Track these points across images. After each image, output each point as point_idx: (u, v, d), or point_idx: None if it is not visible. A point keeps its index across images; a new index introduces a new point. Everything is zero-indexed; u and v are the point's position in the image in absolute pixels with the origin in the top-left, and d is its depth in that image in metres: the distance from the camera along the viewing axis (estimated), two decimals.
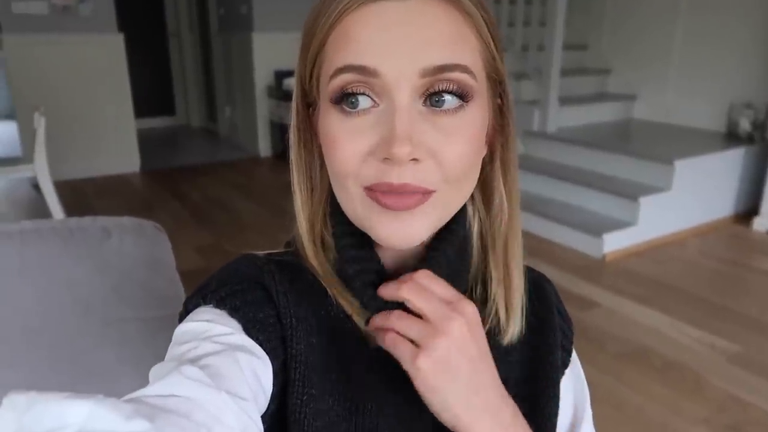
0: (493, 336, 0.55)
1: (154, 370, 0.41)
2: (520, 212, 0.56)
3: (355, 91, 0.45)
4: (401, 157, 0.43)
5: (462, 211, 0.53)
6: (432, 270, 0.50)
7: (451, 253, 0.51)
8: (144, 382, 0.40)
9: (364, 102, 0.45)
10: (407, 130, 0.43)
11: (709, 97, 4.05)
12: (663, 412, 1.94)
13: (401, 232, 0.46)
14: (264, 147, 5.45)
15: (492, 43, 0.48)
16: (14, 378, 0.73)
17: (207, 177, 4.79)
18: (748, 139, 3.75)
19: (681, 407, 1.96)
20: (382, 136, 0.44)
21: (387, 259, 0.52)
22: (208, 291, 0.48)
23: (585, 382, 0.64)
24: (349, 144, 0.46)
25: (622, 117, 4.51)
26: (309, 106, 0.53)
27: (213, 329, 0.45)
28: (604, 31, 4.72)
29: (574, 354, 0.64)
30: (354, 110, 0.45)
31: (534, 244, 3.23)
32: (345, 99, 0.45)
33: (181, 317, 0.49)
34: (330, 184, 0.52)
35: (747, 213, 3.69)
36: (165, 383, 0.37)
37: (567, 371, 0.62)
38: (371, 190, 0.46)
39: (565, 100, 4.14)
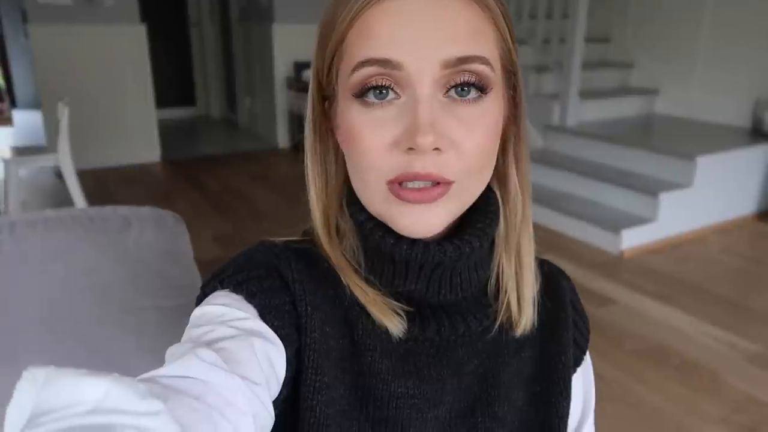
0: (505, 329, 0.55)
1: (171, 351, 0.42)
2: (537, 206, 0.56)
3: (377, 84, 0.45)
4: (425, 146, 0.43)
5: (493, 203, 0.53)
6: (459, 258, 0.50)
7: (477, 244, 0.51)
8: None
9: (386, 94, 0.46)
10: (430, 119, 0.44)
11: (734, 93, 3.97)
12: (680, 411, 1.92)
13: (421, 220, 0.47)
14: (283, 138, 5.47)
15: (508, 35, 0.49)
16: (34, 363, 0.75)
17: (226, 167, 4.83)
18: None
19: (698, 407, 1.94)
20: (405, 127, 0.45)
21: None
22: (226, 276, 0.49)
23: (593, 385, 0.64)
24: (372, 136, 0.46)
25: (644, 112, 4.44)
26: (325, 99, 0.53)
27: (229, 313, 0.46)
28: (627, 24, 4.66)
29: (587, 356, 0.63)
30: (377, 101, 0.46)
31: (552, 239, 3.21)
32: (367, 92, 0.46)
33: (199, 300, 0.50)
34: (345, 176, 0.52)
35: None
36: (180, 364, 0.38)
37: (578, 370, 0.62)
38: (393, 184, 0.46)
39: (587, 94, 4.10)
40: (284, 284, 0.49)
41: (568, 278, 0.64)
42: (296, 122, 5.24)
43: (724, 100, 4.04)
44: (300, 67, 5.00)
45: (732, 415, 1.90)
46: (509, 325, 0.55)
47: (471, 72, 0.45)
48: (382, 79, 0.45)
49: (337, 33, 0.47)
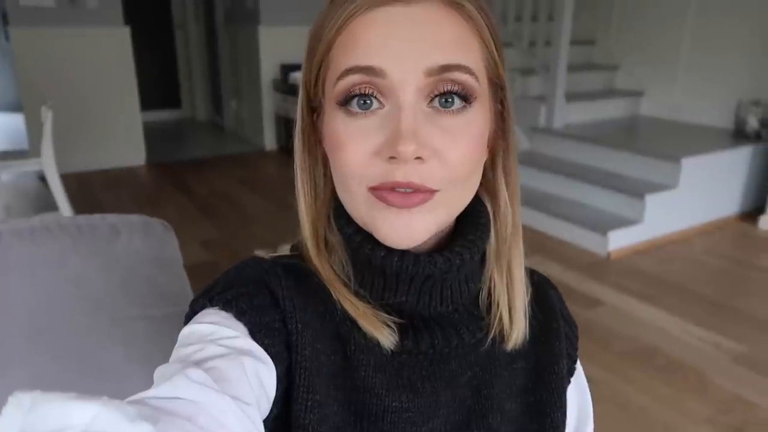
0: (498, 343, 0.55)
1: (159, 371, 0.41)
2: (524, 208, 0.56)
3: (361, 92, 0.45)
4: (406, 155, 0.43)
5: (484, 215, 0.53)
6: (449, 270, 0.50)
7: (467, 256, 0.51)
8: (151, 379, 0.40)
9: (370, 104, 0.46)
10: (412, 128, 0.44)
11: (717, 94, 4.02)
12: (667, 411, 1.94)
13: (404, 229, 0.46)
14: (269, 141, 5.45)
15: (494, 48, 0.49)
16: (22, 376, 0.74)
17: (212, 170, 4.80)
18: (756, 137, 3.72)
19: (685, 407, 1.95)
20: (388, 136, 0.45)
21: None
22: (215, 293, 0.49)
23: (589, 396, 0.64)
24: (354, 145, 0.46)
25: (629, 113, 4.48)
26: (314, 111, 0.53)
27: (219, 332, 0.45)
28: (612, 27, 4.70)
29: (578, 365, 0.63)
30: (360, 111, 0.46)
31: (539, 241, 3.23)
32: (351, 100, 0.46)
33: (188, 318, 0.49)
34: (333, 189, 0.52)
35: (754, 211, 3.67)
36: (170, 385, 0.37)
37: (571, 383, 0.62)
38: (376, 189, 0.46)
39: (572, 96, 4.12)
40: (274, 301, 0.49)
41: (554, 287, 0.64)
42: (283, 125, 5.22)
43: (707, 101, 4.09)
44: (286, 69, 4.98)
45: (718, 415, 1.92)
46: (501, 337, 0.55)
47: (454, 81, 0.45)
48: (366, 87, 0.45)
49: (324, 43, 0.48)
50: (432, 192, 0.46)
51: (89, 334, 0.78)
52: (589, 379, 0.65)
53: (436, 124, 0.46)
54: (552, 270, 2.87)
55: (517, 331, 0.55)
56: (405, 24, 0.45)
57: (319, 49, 0.48)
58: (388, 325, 0.50)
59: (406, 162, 0.44)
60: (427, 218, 0.47)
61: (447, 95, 0.46)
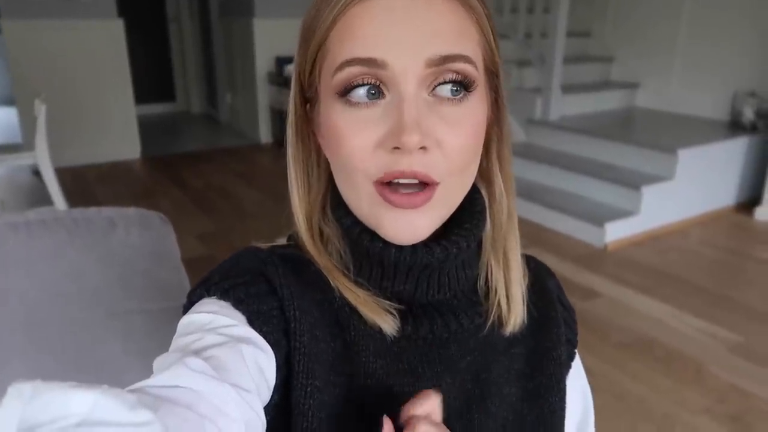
0: (496, 328, 0.55)
1: (158, 361, 0.41)
2: (521, 200, 0.56)
3: (362, 83, 0.45)
4: (411, 145, 0.43)
5: (479, 203, 0.54)
6: (447, 258, 0.50)
7: (464, 244, 0.52)
8: (149, 373, 0.40)
9: (371, 94, 0.45)
10: (416, 118, 0.44)
11: (713, 86, 4.02)
12: (665, 402, 1.94)
13: (409, 228, 0.47)
14: (265, 133, 5.43)
15: (491, 36, 0.49)
16: (20, 369, 0.73)
17: (208, 163, 4.78)
18: (752, 128, 3.73)
19: (683, 397, 1.96)
20: (391, 126, 0.45)
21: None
22: (212, 283, 0.49)
23: (588, 386, 0.65)
24: (356, 136, 0.46)
25: (624, 105, 4.48)
26: (307, 102, 0.53)
27: (217, 321, 0.45)
28: (607, 18, 4.69)
29: (577, 357, 0.64)
30: (362, 102, 0.45)
31: (535, 233, 3.23)
32: (351, 91, 0.45)
33: (186, 309, 0.49)
34: (328, 180, 0.52)
35: (749, 202, 3.68)
36: (169, 374, 0.38)
37: (572, 372, 0.62)
38: (380, 185, 0.46)
39: (568, 88, 4.12)
40: (272, 289, 0.49)
41: (552, 274, 0.65)
42: (278, 118, 5.20)
43: (703, 93, 4.09)
44: (281, 61, 4.95)
45: (716, 405, 1.92)
46: (500, 322, 0.55)
47: (455, 71, 0.45)
48: (367, 78, 0.45)
49: (320, 32, 0.47)
50: (433, 186, 0.46)
51: (86, 328, 0.77)
52: (587, 371, 0.65)
53: (437, 113, 0.46)
54: (549, 262, 2.82)
55: (515, 316, 0.55)
56: (405, 12, 0.44)
57: (315, 38, 0.48)
58: (390, 312, 0.50)
59: (410, 152, 0.44)
60: (430, 215, 0.47)
61: (447, 84, 0.46)
